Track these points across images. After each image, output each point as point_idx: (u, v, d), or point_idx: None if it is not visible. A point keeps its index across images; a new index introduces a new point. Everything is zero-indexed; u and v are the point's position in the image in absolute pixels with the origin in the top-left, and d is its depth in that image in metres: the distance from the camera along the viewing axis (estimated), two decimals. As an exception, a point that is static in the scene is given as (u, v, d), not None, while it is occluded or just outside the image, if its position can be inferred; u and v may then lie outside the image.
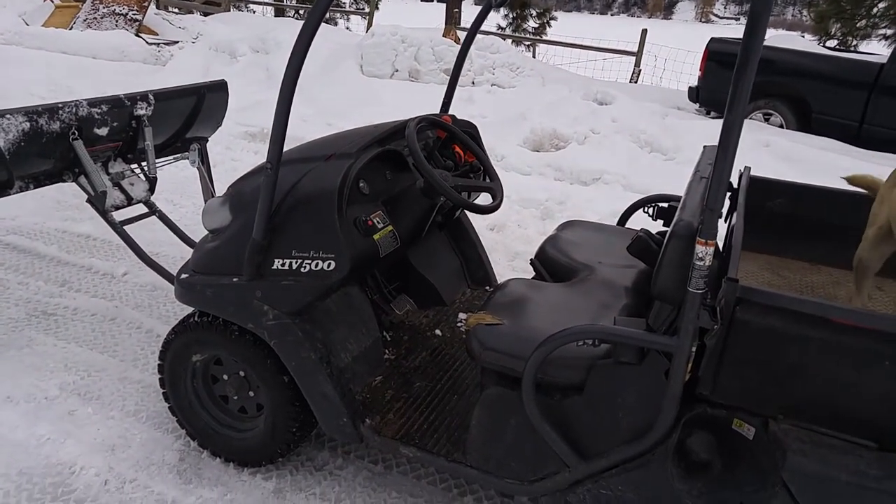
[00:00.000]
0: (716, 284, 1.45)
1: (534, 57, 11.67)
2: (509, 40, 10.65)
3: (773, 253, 2.45)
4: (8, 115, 2.32)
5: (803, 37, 9.76)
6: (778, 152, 5.45)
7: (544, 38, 14.76)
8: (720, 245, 1.84)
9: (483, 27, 2.55)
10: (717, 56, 7.26)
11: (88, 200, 2.69)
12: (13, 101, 2.50)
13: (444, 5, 14.07)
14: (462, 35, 8.51)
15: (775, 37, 7.74)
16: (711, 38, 7.50)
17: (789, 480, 1.38)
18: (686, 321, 1.36)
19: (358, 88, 6.89)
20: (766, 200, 2.39)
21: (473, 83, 7.39)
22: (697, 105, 7.87)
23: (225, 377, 2.05)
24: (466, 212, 2.69)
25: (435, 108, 2.46)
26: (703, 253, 1.31)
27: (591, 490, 1.61)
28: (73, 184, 2.68)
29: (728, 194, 2.12)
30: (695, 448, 1.52)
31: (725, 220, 2.10)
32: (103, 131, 2.64)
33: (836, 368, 1.33)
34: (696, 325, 1.37)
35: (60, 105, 2.49)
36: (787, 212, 2.38)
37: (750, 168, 2.21)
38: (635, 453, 1.54)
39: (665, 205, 2.33)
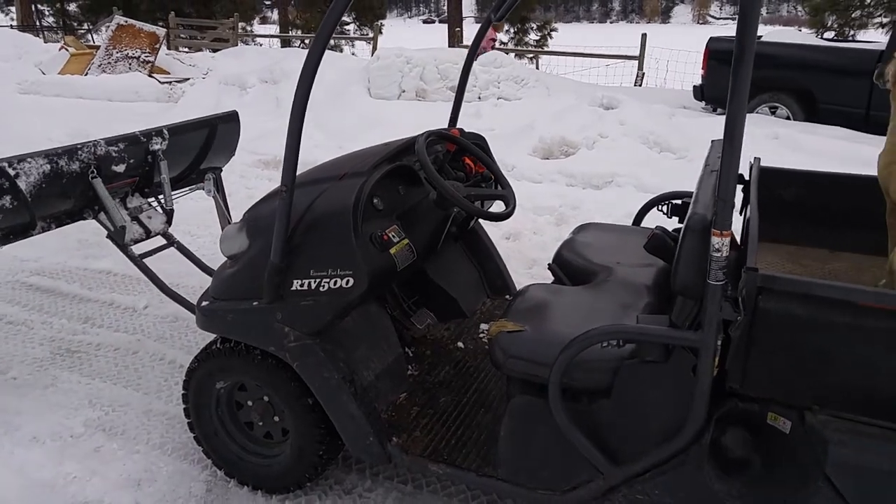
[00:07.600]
0: (735, 276, 1.42)
1: (537, 68, 11.73)
2: (512, 54, 10.74)
3: (792, 242, 2.40)
4: (29, 159, 2.37)
5: (800, 31, 9.76)
6: (788, 143, 5.41)
7: (546, 49, 14.85)
8: (737, 239, 1.81)
9: (485, 42, 2.56)
10: (717, 54, 7.34)
11: (108, 236, 2.73)
12: (33, 148, 2.56)
13: (445, 27, 14.27)
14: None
15: (772, 32, 7.74)
16: (711, 37, 7.57)
17: (832, 474, 1.33)
18: (709, 314, 1.34)
19: (367, 111, 6.98)
20: (779, 190, 2.36)
21: (479, 98, 7.43)
22: (703, 103, 7.88)
23: (249, 403, 2.04)
24: (481, 222, 2.69)
25: (443, 125, 2.47)
26: (720, 244, 1.29)
27: (627, 496, 1.57)
28: (93, 221, 2.73)
29: (740, 186, 2.10)
30: (730, 446, 1.48)
31: (740, 213, 2.07)
32: (121, 168, 2.69)
33: (868, 353, 1.29)
34: (720, 318, 1.35)
35: (79, 146, 2.54)
36: (802, 200, 2.34)
37: (760, 159, 2.18)
38: (669, 454, 1.50)
39: (679, 202, 2.30)
